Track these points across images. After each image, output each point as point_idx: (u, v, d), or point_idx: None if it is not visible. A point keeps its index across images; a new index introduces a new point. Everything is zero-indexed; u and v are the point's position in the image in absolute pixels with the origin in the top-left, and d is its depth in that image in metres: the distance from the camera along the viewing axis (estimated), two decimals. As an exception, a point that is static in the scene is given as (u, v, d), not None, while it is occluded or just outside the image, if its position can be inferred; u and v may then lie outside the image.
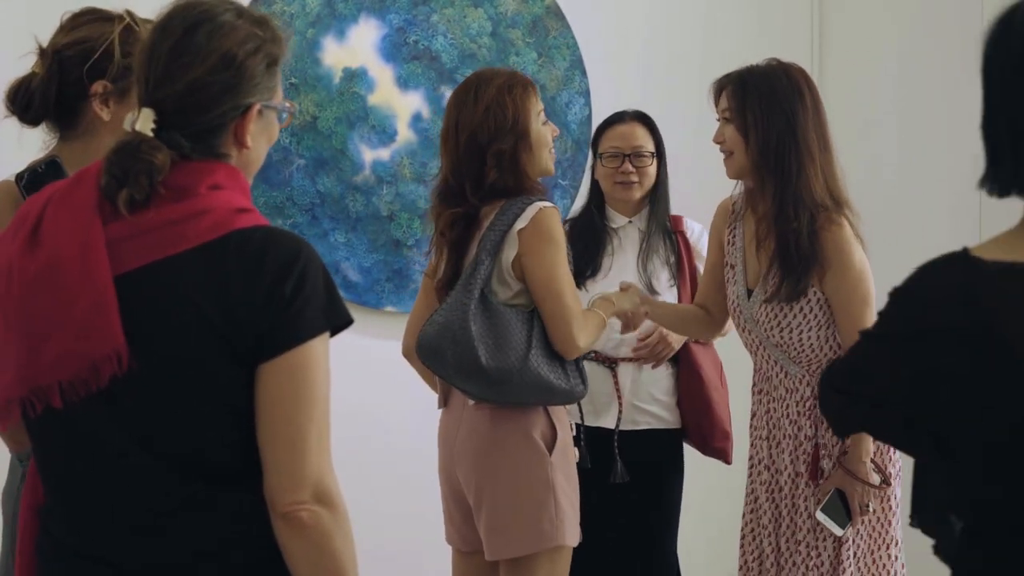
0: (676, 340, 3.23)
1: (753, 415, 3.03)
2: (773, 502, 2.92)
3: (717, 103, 2.92)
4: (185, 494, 1.56)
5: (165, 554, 1.56)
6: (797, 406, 2.88)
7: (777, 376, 2.92)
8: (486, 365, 2.60)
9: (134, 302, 1.52)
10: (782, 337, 2.86)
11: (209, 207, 1.55)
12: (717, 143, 2.91)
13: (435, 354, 2.65)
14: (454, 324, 2.62)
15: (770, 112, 2.78)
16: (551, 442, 2.69)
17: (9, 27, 3.43)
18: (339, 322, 1.60)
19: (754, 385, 3.03)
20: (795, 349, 2.86)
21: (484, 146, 2.67)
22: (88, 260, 1.51)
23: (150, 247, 1.53)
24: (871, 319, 2.81)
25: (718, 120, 2.92)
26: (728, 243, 3.02)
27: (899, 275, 1.41)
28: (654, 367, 3.25)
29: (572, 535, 2.70)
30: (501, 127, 2.67)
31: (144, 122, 1.56)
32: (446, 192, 2.74)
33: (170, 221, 1.54)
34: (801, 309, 2.83)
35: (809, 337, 2.84)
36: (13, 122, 2.07)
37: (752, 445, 3.02)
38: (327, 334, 1.58)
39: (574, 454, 2.76)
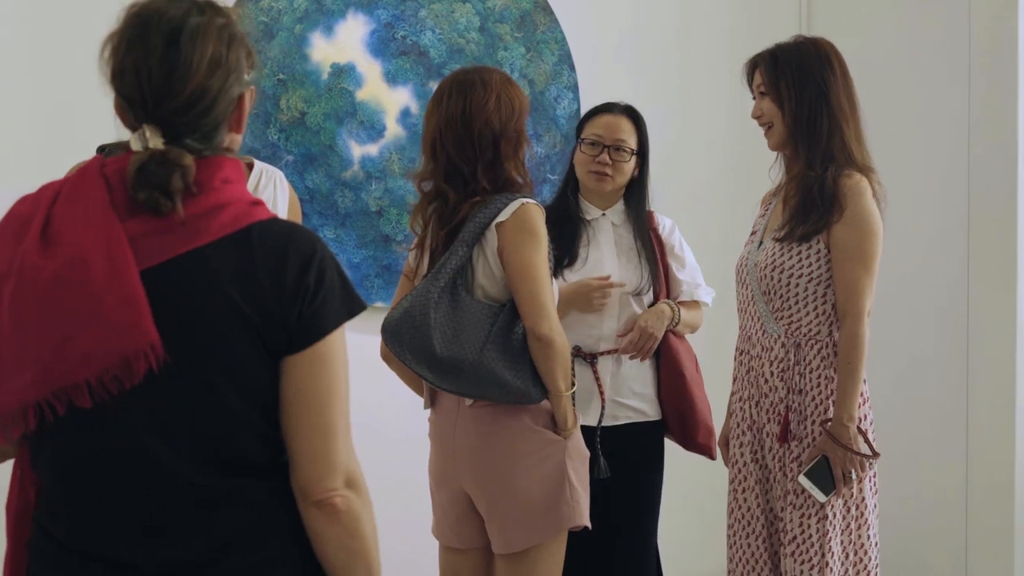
0: (658, 329, 3.18)
1: (734, 379, 3.07)
2: (758, 462, 2.95)
3: (751, 81, 3.05)
4: (206, 487, 1.56)
5: (182, 550, 1.56)
6: (771, 366, 2.94)
7: (756, 335, 2.99)
8: (439, 354, 2.62)
9: (160, 297, 1.52)
10: (774, 279, 2.92)
11: (227, 201, 1.57)
12: (755, 118, 3.03)
13: (396, 337, 2.69)
14: (415, 310, 2.65)
15: (803, 81, 2.93)
16: (555, 428, 2.72)
17: (8, 25, 3.44)
18: (357, 309, 1.63)
19: (737, 348, 3.08)
20: (781, 297, 2.92)
21: (498, 132, 2.70)
22: (114, 256, 1.50)
23: (172, 242, 1.54)
24: (869, 287, 2.85)
25: (753, 98, 3.04)
26: (760, 216, 3.12)
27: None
28: (641, 360, 3.22)
29: (586, 515, 2.74)
30: (510, 115, 2.73)
31: (154, 139, 1.56)
32: (453, 177, 2.72)
33: (190, 216, 1.55)
34: (800, 255, 2.90)
35: (798, 286, 2.90)
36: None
37: (731, 415, 3.04)
38: (345, 323, 1.61)
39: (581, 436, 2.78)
